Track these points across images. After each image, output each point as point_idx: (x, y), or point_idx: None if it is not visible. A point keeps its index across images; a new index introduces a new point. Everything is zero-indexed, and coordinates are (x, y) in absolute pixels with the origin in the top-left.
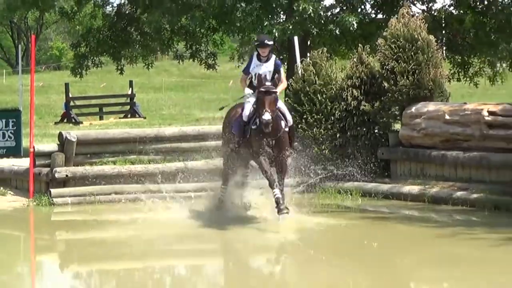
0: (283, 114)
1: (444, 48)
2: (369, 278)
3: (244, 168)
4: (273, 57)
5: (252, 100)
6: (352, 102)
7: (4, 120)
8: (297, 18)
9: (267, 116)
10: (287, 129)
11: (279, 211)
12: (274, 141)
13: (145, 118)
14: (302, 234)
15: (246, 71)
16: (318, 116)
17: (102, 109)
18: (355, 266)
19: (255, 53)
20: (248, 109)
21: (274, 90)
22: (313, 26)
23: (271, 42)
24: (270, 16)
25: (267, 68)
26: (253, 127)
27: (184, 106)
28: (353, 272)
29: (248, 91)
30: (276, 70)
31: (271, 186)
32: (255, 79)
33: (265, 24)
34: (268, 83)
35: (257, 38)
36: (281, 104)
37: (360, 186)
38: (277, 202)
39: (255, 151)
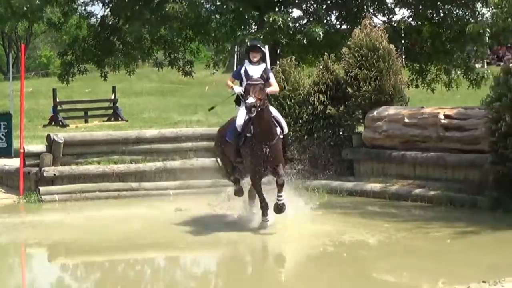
0: (278, 122)
1: (404, 56)
2: (332, 269)
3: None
4: (263, 64)
5: (244, 110)
6: (318, 107)
7: None
8: (267, 28)
9: (250, 100)
10: (281, 136)
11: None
12: (269, 149)
13: (127, 121)
14: (271, 229)
15: (235, 75)
16: (287, 120)
17: (87, 112)
18: (320, 258)
19: (246, 60)
20: (241, 118)
21: (260, 81)
22: (282, 36)
23: (263, 49)
24: (242, 27)
25: (259, 70)
26: (247, 134)
27: (164, 110)
28: (318, 264)
29: (238, 88)
30: (267, 76)
31: (263, 214)
32: (247, 80)
33: (238, 34)
34: (255, 77)
35: (250, 42)
36: (276, 113)
37: (326, 184)
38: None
39: (250, 161)
